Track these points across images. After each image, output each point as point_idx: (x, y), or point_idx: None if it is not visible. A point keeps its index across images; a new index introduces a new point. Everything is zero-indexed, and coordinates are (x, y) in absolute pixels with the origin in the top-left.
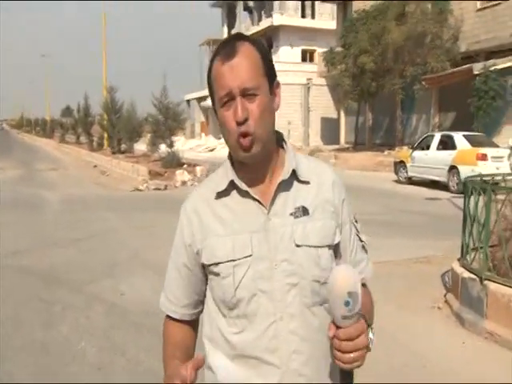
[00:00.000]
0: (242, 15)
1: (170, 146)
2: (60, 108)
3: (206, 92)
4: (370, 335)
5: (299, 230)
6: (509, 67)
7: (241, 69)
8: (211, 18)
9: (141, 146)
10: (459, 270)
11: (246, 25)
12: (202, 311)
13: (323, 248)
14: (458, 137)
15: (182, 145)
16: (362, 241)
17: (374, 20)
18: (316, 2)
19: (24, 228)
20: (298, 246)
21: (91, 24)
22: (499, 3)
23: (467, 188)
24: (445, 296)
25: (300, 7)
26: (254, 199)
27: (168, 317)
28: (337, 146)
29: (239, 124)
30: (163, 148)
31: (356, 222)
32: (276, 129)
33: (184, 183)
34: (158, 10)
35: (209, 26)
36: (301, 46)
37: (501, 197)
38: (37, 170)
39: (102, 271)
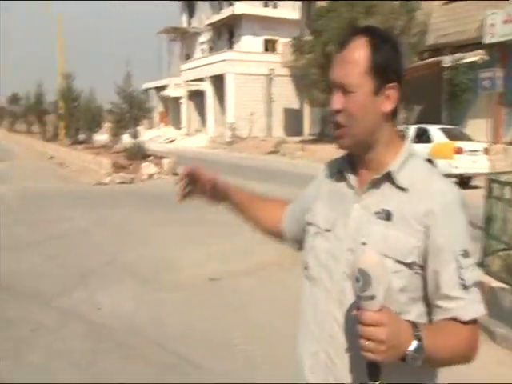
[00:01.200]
0: (202, 3)
1: (135, 136)
2: (6, 95)
3: (165, 81)
4: (412, 347)
5: (373, 230)
6: (475, 61)
7: (342, 64)
8: (170, 6)
9: (100, 137)
10: (485, 278)
11: (206, 13)
12: (288, 241)
13: (387, 258)
14: (434, 130)
15: (141, 135)
16: (462, 279)
17: (344, 9)
18: None
19: None
20: (363, 243)
21: (44, 11)
22: None
23: (490, 187)
24: None
25: None
26: (351, 187)
27: None
28: (301, 138)
29: (333, 113)
30: (126, 139)
31: (466, 256)
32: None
33: (151, 176)
34: None
35: (168, 14)
36: (263, 35)
37: None
38: None
39: (73, 280)
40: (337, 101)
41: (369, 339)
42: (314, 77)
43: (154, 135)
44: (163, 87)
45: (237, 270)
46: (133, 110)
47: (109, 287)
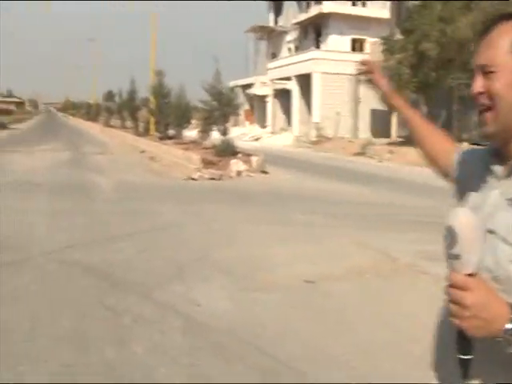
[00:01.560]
0: (289, 3)
1: (224, 133)
2: (102, 92)
3: (251, 79)
4: (507, 327)
5: (502, 215)
6: None
7: (485, 48)
8: (258, 6)
9: (189, 133)
10: None
11: (293, 12)
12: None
13: (507, 245)
14: None
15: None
16: None
17: (438, 6)
18: None
19: (78, 218)
20: (490, 231)
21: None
22: None
23: None
24: None
25: None
26: (494, 173)
27: None
28: (388, 140)
29: (476, 97)
30: (214, 135)
31: None
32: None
33: (239, 173)
34: None
35: (255, 13)
36: (351, 34)
37: None
38: (84, 154)
39: (169, 274)
40: (478, 83)
41: (454, 302)
42: (405, 77)
43: (239, 133)
44: (249, 85)
45: (329, 273)
46: (222, 107)
47: (204, 283)
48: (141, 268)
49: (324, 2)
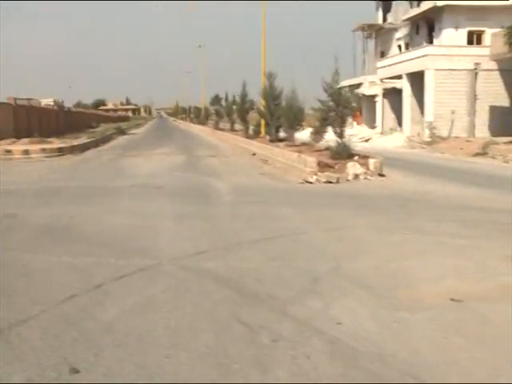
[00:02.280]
0: None
1: (341, 135)
2: (209, 96)
3: (359, 79)
4: None
5: None
6: None
7: None
8: (364, 4)
9: (299, 134)
10: None
11: (403, 7)
12: None
13: None
14: None
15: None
16: None
17: None
18: None
19: (200, 222)
20: None
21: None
22: None
23: None
24: None
25: None
26: None
27: None
28: (510, 139)
29: None
30: (328, 137)
31: None
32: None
33: (356, 177)
34: None
35: (360, 12)
36: (467, 27)
37: None
38: (198, 157)
39: (303, 286)
40: None
41: None
42: None
43: (348, 133)
44: (357, 85)
45: (480, 291)
46: (339, 108)
47: (341, 299)
48: (272, 278)
49: None
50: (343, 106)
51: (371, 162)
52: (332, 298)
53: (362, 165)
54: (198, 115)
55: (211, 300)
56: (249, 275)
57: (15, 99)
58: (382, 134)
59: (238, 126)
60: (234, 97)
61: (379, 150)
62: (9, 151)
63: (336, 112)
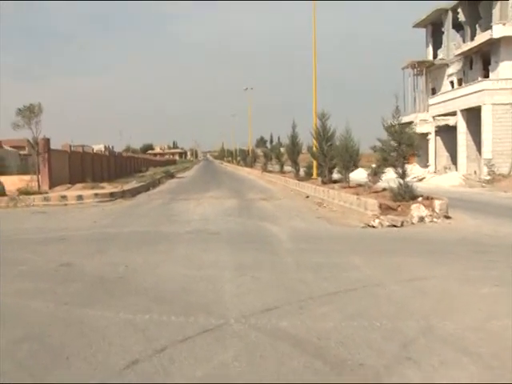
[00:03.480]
0: (450, 32)
1: (403, 175)
2: (253, 138)
3: (411, 117)
4: None
5: None
6: None
7: None
8: (413, 40)
9: (353, 175)
10: None
11: (456, 42)
12: None
13: None
14: None
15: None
16: None
17: None
18: None
19: (263, 273)
20: None
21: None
22: None
23: None
24: None
25: None
26: None
27: None
28: None
29: None
30: (385, 177)
31: None
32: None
33: (421, 219)
34: (359, 31)
35: (411, 48)
36: None
37: None
38: (249, 200)
39: (394, 351)
40: None
41: None
42: None
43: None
44: (408, 123)
45: None
46: (401, 147)
47: (444, 369)
48: (356, 342)
49: (494, 27)
50: (406, 145)
51: (437, 203)
52: (433, 368)
53: (426, 206)
54: (244, 157)
55: (291, 369)
56: (329, 337)
57: (70, 146)
58: (435, 172)
59: (287, 168)
60: (278, 138)
61: (434, 189)
62: (64, 197)
63: (397, 151)
